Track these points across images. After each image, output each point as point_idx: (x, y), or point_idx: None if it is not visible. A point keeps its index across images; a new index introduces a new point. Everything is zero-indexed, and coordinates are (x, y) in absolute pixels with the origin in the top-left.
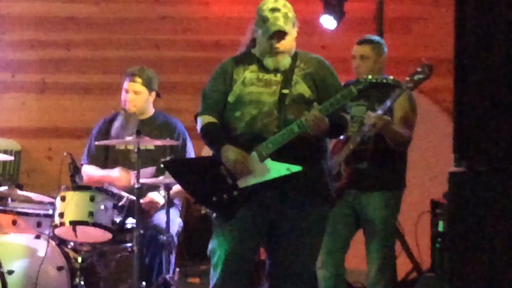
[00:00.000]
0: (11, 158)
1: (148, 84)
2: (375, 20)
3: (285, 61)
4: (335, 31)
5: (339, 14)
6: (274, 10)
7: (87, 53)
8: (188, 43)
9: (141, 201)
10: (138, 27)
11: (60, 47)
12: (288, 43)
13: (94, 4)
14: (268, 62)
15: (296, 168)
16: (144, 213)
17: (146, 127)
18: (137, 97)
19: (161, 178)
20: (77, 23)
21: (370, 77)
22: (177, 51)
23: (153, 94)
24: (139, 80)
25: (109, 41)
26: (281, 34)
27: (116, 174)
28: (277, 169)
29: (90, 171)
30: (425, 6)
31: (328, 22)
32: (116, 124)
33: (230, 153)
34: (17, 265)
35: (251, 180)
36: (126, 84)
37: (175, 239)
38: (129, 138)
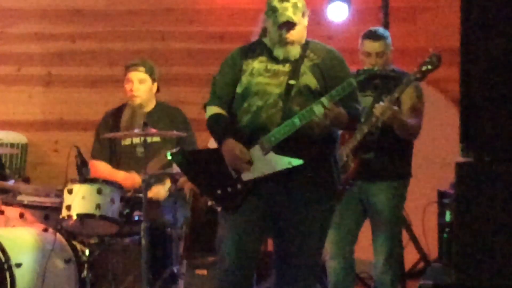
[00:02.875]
0: (18, 151)
1: (151, 73)
2: (380, 10)
3: (295, 51)
4: (341, 22)
5: (345, 5)
6: (283, 0)
7: (92, 45)
8: (193, 34)
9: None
10: (144, 19)
11: (66, 39)
12: (297, 33)
13: None
14: (278, 52)
15: (297, 162)
16: (151, 205)
17: (151, 119)
18: (141, 86)
19: (168, 170)
20: (83, 16)
21: (375, 68)
22: (183, 43)
23: (155, 84)
24: (141, 68)
25: (115, 33)
26: (290, 25)
27: (123, 177)
28: (279, 163)
29: (97, 167)
30: None
31: (335, 13)
32: (124, 118)
33: (230, 147)
34: (25, 258)
35: (254, 173)
36: (129, 75)
37: (182, 231)
38: (136, 131)
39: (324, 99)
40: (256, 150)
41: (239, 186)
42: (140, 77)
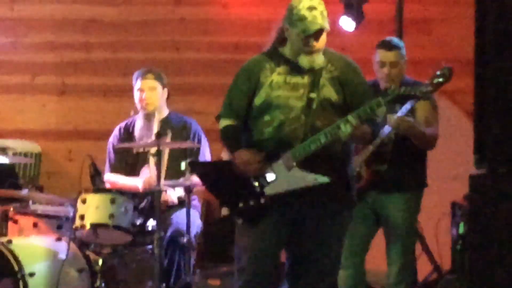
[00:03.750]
0: (31, 160)
1: (160, 79)
2: (394, 22)
3: (319, 60)
4: (354, 33)
5: (358, 16)
6: (311, 8)
7: (107, 55)
8: (207, 45)
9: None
10: (158, 29)
11: (80, 49)
12: (323, 41)
13: (114, 6)
14: (304, 61)
15: (323, 179)
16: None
17: (163, 128)
18: (153, 93)
19: (181, 180)
20: (97, 26)
21: (402, 89)
22: (197, 53)
23: (165, 90)
24: (150, 76)
25: (129, 43)
26: (319, 33)
27: (139, 182)
28: (305, 179)
29: (112, 179)
30: (444, 7)
31: (347, 23)
32: (138, 127)
33: (242, 154)
34: (38, 268)
35: (278, 188)
36: (139, 84)
37: (195, 240)
38: (149, 141)
39: (351, 119)
40: (280, 165)
41: (262, 200)
42: (150, 85)
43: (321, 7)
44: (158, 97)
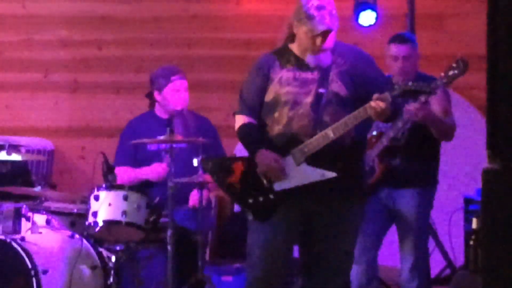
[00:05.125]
0: (44, 158)
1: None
2: (406, 17)
3: (326, 58)
4: (368, 28)
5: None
6: (320, 8)
7: (119, 52)
8: (219, 41)
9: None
10: (170, 25)
11: (92, 46)
12: (330, 40)
13: (126, 3)
14: (310, 59)
15: (330, 174)
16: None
17: (178, 127)
18: (187, 93)
19: (194, 176)
20: (109, 22)
21: (410, 84)
22: (208, 49)
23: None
24: (184, 76)
25: (141, 40)
26: (327, 33)
27: (150, 169)
28: (313, 174)
29: (123, 173)
30: (456, 1)
31: (362, 19)
32: (153, 124)
33: (264, 157)
34: (51, 265)
35: (287, 184)
36: (177, 84)
37: (208, 237)
38: (161, 137)
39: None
40: (288, 161)
41: (271, 195)
42: (186, 85)
43: (330, 7)
44: (185, 96)
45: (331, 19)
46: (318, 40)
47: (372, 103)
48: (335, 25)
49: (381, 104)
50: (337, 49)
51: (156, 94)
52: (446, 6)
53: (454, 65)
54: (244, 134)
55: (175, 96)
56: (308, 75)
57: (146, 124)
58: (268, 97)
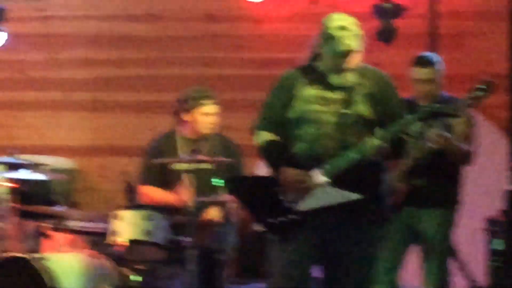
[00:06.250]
0: (66, 177)
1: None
2: (427, 36)
3: (350, 78)
4: (388, 48)
5: (392, 32)
6: (342, 28)
7: (140, 71)
8: (241, 61)
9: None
10: (191, 45)
11: (113, 65)
12: (354, 61)
13: (147, 23)
14: (334, 79)
15: (354, 196)
16: (200, 230)
17: (202, 146)
18: (216, 118)
19: (217, 196)
20: (130, 42)
21: (434, 107)
22: (230, 69)
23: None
24: (215, 101)
25: (162, 59)
26: (348, 53)
27: (174, 196)
28: (337, 196)
29: (146, 192)
30: (478, 21)
31: (381, 39)
32: (175, 145)
33: (289, 173)
34: (73, 284)
35: (309, 204)
36: (208, 108)
37: (229, 256)
38: (184, 157)
39: (378, 136)
40: (311, 181)
41: (292, 216)
42: (216, 110)
43: (353, 27)
44: (215, 120)
45: (353, 40)
46: (340, 60)
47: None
48: (356, 46)
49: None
50: (362, 70)
51: (183, 115)
52: (467, 26)
53: (479, 86)
54: (267, 150)
55: (204, 120)
56: (333, 95)
57: (170, 143)
58: (292, 114)
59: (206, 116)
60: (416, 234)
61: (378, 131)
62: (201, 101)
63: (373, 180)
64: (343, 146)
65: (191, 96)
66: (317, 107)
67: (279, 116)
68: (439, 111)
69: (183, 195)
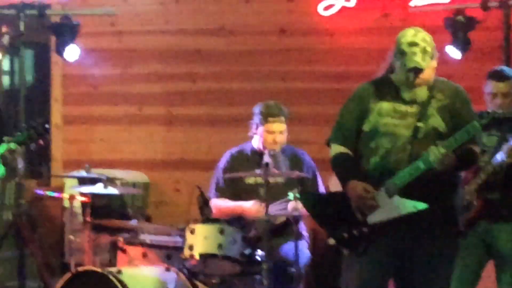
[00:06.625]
0: (140, 191)
1: (287, 119)
2: (500, 49)
3: (422, 93)
4: (461, 60)
5: (465, 44)
6: (412, 44)
7: (213, 85)
8: (314, 74)
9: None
10: (264, 59)
11: (186, 79)
12: (426, 76)
13: (220, 37)
14: (405, 94)
15: (422, 206)
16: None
17: (275, 161)
18: (282, 136)
19: (289, 210)
20: (203, 56)
21: (499, 111)
22: (304, 82)
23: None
24: (283, 119)
25: (235, 73)
26: (418, 70)
27: (248, 205)
28: (405, 207)
29: (220, 204)
30: None
31: (453, 52)
32: (248, 159)
33: (356, 188)
34: None
35: (380, 217)
36: (271, 126)
37: (303, 271)
38: (257, 171)
39: (447, 142)
40: (381, 194)
41: (365, 229)
42: (281, 129)
43: (424, 43)
44: (284, 140)
45: (423, 56)
46: (411, 76)
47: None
48: (426, 63)
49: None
50: (437, 84)
51: (254, 129)
52: None
53: None
54: (338, 163)
55: (268, 137)
56: (407, 108)
57: (243, 157)
58: (366, 127)
59: (269, 134)
60: (491, 249)
61: (444, 140)
62: (267, 118)
63: (444, 192)
64: (415, 160)
65: (260, 112)
66: (391, 120)
67: (353, 129)
68: (505, 116)
69: (257, 208)
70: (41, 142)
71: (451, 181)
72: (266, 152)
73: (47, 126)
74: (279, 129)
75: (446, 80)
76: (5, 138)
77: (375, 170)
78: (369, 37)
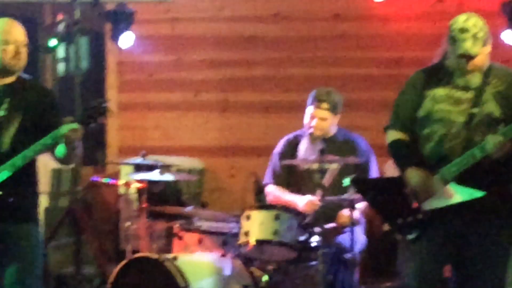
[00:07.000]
0: (195, 177)
1: (333, 110)
2: None
3: (475, 79)
4: None
5: None
6: (463, 30)
7: (267, 71)
8: (369, 60)
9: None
10: (319, 44)
11: (241, 65)
12: (478, 62)
13: (274, 23)
14: (458, 80)
15: (478, 194)
16: (329, 230)
17: (328, 146)
18: (322, 122)
19: (345, 196)
20: (258, 42)
21: None
22: (359, 68)
23: (338, 116)
24: (325, 106)
25: (290, 59)
26: (468, 56)
27: (302, 202)
28: (461, 194)
29: (275, 192)
30: None
31: (509, 38)
32: (302, 146)
33: (414, 175)
34: (203, 284)
35: (435, 203)
36: (312, 110)
37: (359, 256)
38: (313, 158)
39: (505, 130)
40: (436, 180)
41: (420, 215)
42: (322, 115)
43: (475, 29)
44: (327, 126)
45: (474, 42)
46: (463, 62)
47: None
48: (477, 50)
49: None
50: (492, 70)
51: (305, 115)
52: None
53: None
54: (395, 150)
55: (309, 121)
56: (462, 94)
57: (297, 143)
58: (421, 113)
59: (311, 119)
60: None
61: (501, 128)
62: (313, 103)
63: (501, 179)
64: (470, 146)
65: (311, 95)
66: (446, 106)
67: (409, 116)
68: None
69: (310, 203)
70: (101, 121)
71: (508, 169)
72: (306, 136)
73: (106, 105)
74: (319, 115)
75: (502, 66)
76: (66, 118)
77: (430, 157)
78: (423, 23)
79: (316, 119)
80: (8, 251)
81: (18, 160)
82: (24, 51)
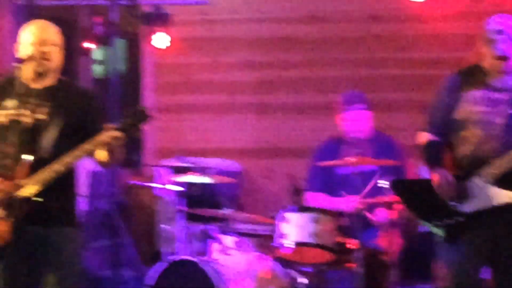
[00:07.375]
0: (232, 179)
1: (368, 107)
2: None
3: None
4: None
5: None
6: (499, 32)
7: (303, 73)
8: (403, 61)
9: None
10: (354, 46)
11: (277, 67)
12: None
13: (309, 24)
14: (496, 80)
15: None
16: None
17: (366, 149)
18: (360, 123)
19: (383, 197)
20: (293, 43)
21: None
22: (394, 69)
23: (372, 117)
24: (357, 106)
25: (326, 60)
26: (503, 58)
27: (344, 201)
28: (501, 197)
29: (315, 199)
30: None
31: None
32: (341, 149)
33: (438, 176)
34: (240, 286)
35: (474, 206)
36: (357, 114)
37: (396, 258)
38: (350, 159)
39: None
40: (476, 182)
41: (458, 217)
42: (367, 115)
43: (510, 30)
44: (364, 126)
45: (510, 44)
46: (498, 64)
47: None
48: (508, 53)
49: None
50: None
51: (338, 117)
52: None
53: None
54: (425, 151)
55: (353, 125)
56: (499, 96)
57: (334, 147)
58: (458, 115)
59: (354, 122)
60: None
61: None
62: (351, 106)
63: None
64: (509, 147)
65: (344, 99)
66: (483, 108)
67: (441, 118)
68: None
69: (352, 202)
70: (142, 127)
71: None
72: (363, 139)
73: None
74: (365, 116)
75: None
76: (108, 125)
77: (467, 158)
78: (460, 23)
79: (353, 122)
80: (48, 259)
81: (60, 168)
82: (60, 53)
